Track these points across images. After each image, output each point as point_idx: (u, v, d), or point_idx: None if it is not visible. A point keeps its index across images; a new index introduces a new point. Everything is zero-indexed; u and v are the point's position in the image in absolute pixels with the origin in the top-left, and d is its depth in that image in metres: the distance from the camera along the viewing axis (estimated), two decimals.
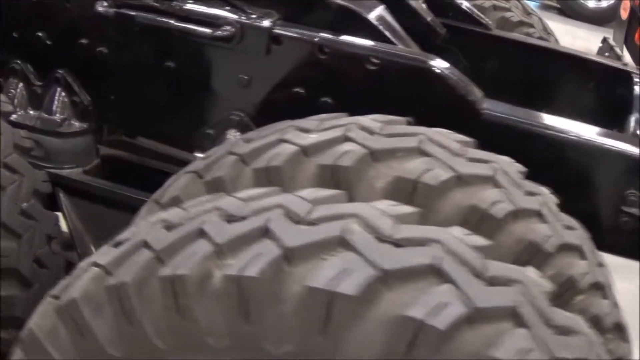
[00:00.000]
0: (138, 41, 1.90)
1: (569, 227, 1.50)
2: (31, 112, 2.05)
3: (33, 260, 1.79)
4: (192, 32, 1.79)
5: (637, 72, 2.46)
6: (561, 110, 2.23)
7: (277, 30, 1.78)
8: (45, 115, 2.03)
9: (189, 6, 1.82)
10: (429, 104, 1.74)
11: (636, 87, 2.34)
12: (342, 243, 1.00)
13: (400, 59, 1.74)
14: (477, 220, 1.29)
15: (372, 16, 1.88)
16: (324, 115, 1.53)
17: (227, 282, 0.96)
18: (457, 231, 1.16)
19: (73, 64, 2.01)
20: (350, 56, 1.75)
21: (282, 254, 0.97)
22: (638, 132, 2.22)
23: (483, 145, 1.52)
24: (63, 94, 2.03)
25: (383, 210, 1.12)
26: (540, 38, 3.02)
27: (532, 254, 1.35)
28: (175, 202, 1.41)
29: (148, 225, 1.17)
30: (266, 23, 1.79)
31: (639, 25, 6.48)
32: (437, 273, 0.99)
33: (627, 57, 5.14)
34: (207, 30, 1.79)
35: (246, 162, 1.38)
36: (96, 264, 1.09)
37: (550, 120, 1.85)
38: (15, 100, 2.04)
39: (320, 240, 1.00)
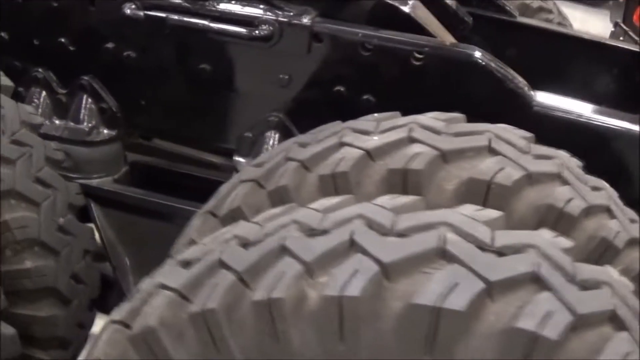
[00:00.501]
0: (170, 43, 1.83)
1: (633, 221, 1.46)
2: (57, 121, 1.98)
3: (70, 276, 1.72)
4: (228, 32, 1.72)
5: None
6: (585, 97, 2.19)
7: (318, 28, 1.72)
8: (73, 125, 1.95)
9: (223, 6, 1.75)
10: (476, 98, 1.69)
11: None
12: (442, 255, 0.95)
13: (445, 53, 1.69)
14: (554, 219, 1.24)
15: (410, 9, 1.82)
16: (378, 115, 1.47)
17: (326, 303, 0.90)
18: (547, 234, 1.12)
19: (99, 69, 1.94)
20: (395, 52, 1.69)
21: (380, 270, 0.92)
22: None
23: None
24: (90, 101, 1.96)
25: (472, 216, 1.07)
26: (559, 24, 2.98)
27: (603, 251, 1.32)
28: (237, 214, 1.35)
29: (219, 242, 1.11)
30: (306, 20, 1.73)
31: (637, 6, 6.46)
32: (536, 281, 0.95)
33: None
34: (244, 30, 1.72)
35: (308, 169, 1.32)
36: (168, 288, 1.03)
37: (597, 110, 1.81)
38: (40, 110, 1.96)
39: (418, 253, 0.94)
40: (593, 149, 1.68)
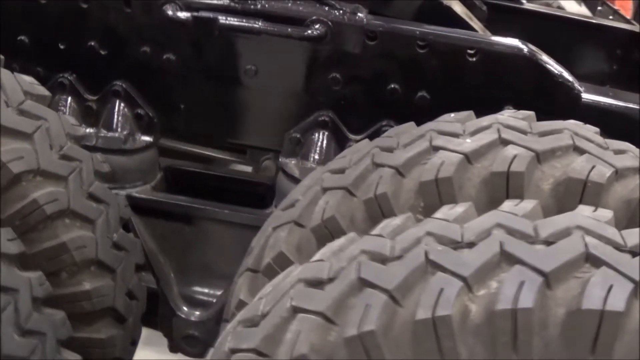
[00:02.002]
0: (214, 45, 1.76)
1: None
2: (88, 130, 1.88)
3: (126, 293, 1.66)
4: (279, 33, 1.67)
5: None
6: (590, 79, 2.25)
7: (372, 26, 1.69)
8: (107, 133, 1.87)
9: (273, 5, 1.70)
10: (527, 92, 1.71)
11: None
12: (588, 259, 0.97)
13: (499, 48, 1.70)
14: None
15: (453, 4, 1.82)
16: (455, 116, 1.46)
17: (497, 316, 0.90)
18: None
19: (134, 73, 1.85)
20: (450, 48, 1.69)
21: (544, 280, 0.92)
22: None
23: None
24: (124, 107, 1.87)
25: (596, 218, 1.09)
26: (558, 7, 3.04)
27: None
28: (331, 224, 1.32)
29: (345, 259, 1.09)
30: (360, 19, 1.70)
31: None
32: None
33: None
34: (296, 30, 1.67)
35: (403, 174, 1.31)
36: (310, 312, 1.00)
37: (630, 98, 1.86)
38: None
39: (570, 259, 0.96)
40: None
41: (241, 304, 1.47)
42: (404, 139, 1.42)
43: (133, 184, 1.89)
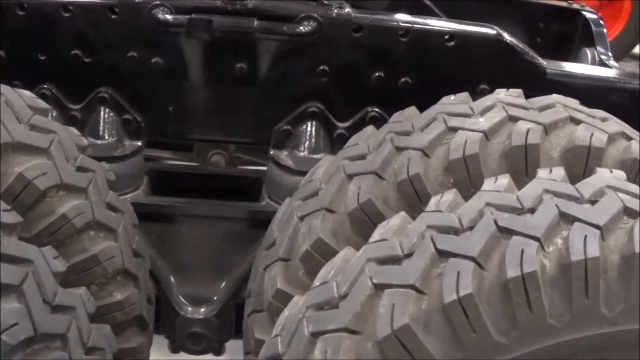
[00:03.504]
0: (204, 45, 1.77)
1: None
2: None
3: (147, 299, 1.66)
4: (274, 31, 1.72)
5: (585, 9, 2.80)
6: None
7: (358, 19, 1.79)
8: (95, 140, 1.83)
9: (263, 3, 1.74)
10: (501, 71, 1.89)
11: (591, 24, 2.68)
12: (627, 212, 1.15)
13: (473, 33, 1.85)
14: (636, 170, 1.48)
15: None
16: (455, 98, 1.60)
17: (570, 268, 1.06)
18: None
19: (120, 79, 1.83)
20: (430, 36, 1.82)
21: (600, 232, 1.09)
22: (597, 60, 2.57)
23: None
24: (110, 113, 1.84)
25: (617, 178, 1.27)
26: None
27: None
28: (368, 207, 1.41)
29: (414, 234, 1.18)
30: (346, 13, 1.78)
31: None
32: None
33: None
34: (288, 27, 1.73)
35: (428, 155, 1.42)
36: (398, 286, 1.10)
37: (595, 70, 2.09)
38: None
39: (615, 213, 1.13)
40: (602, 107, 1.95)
41: (280, 293, 1.54)
42: (417, 122, 1.54)
43: (125, 190, 1.87)
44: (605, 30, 2.65)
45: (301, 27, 1.75)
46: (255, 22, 1.72)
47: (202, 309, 1.97)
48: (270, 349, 1.29)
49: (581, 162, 1.42)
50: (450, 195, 1.28)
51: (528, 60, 1.89)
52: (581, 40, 2.71)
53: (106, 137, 1.85)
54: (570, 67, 1.98)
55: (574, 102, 1.60)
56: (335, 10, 1.78)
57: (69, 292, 1.27)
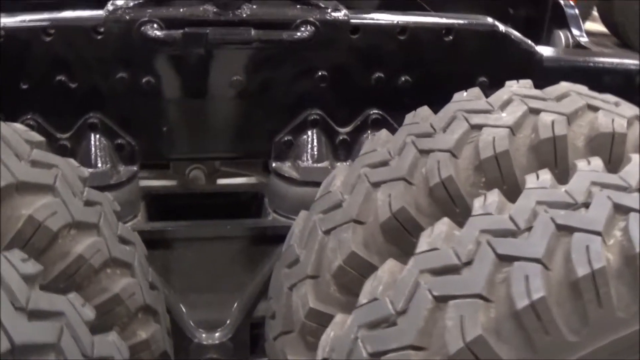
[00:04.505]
0: (198, 59, 1.68)
1: None
2: None
3: (167, 333, 1.57)
4: (272, 39, 1.64)
5: None
6: None
7: (355, 20, 1.73)
8: (89, 170, 1.70)
9: (258, 12, 1.66)
10: (499, 62, 1.87)
11: (563, 6, 2.71)
12: None
13: (470, 26, 1.83)
14: None
15: None
16: (468, 94, 1.56)
17: (635, 258, 1.04)
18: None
19: (110, 103, 1.72)
20: (428, 32, 1.78)
21: None
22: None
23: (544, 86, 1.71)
24: (102, 139, 1.73)
25: None
26: None
27: None
28: (402, 215, 1.37)
29: (469, 241, 1.14)
30: (343, 15, 1.72)
31: None
32: None
33: None
34: (286, 35, 1.66)
35: (456, 156, 1.38)
36: (460, 296, 1.06)
37: (586, 54, 2.10)
38: None
39: None
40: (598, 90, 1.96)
41: (313, 312, 1.47)
42: (436, 123, 1.50)
43: (125, 219, 1.77)
44: (577, 11, 2.69)
45: (299, 33, 1.68)
46: (253, 32, 1.64)
47: (217, 334, 1.89)
48: None
49: (606, 149, 1.41)
50: (495, 196, 1.24)
51: (525, 49, 1.88)
52: (552, 22, 2.74)
53: (99, 165, 1.74)
54: (565, 53, 1.99)
55: (584, 89, 1.59)
56: (332, 13, 1.73)
57: (104, 341, 1.18)
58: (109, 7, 1.62)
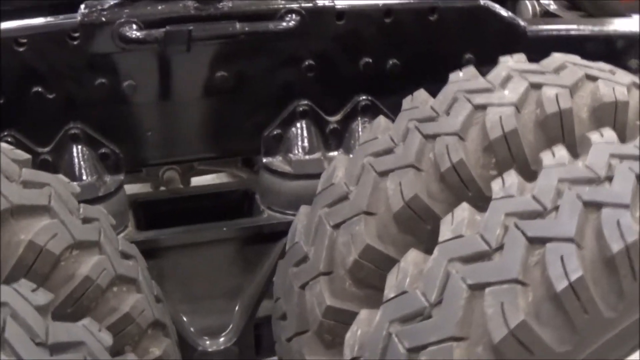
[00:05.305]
0: (181, 58, 1.60)
1: None
2: None
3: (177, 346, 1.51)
4: (258, 31, 1.57)
5: None
6: None
7: (340, 6, 1.68)
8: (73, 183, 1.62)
9: (240, 4, 1.58)
10: (485, 36, 1.85)
11: None
12: None
13: (455, 3, 1.80)
14: None
15: None
16: (464, 74, 1.53)
17: None
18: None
19: (90, 111, 1.63)
20: (413, 13, 1.75)
21: None
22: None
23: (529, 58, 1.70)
24: (85, 150, 1.64)
25: None
26: None
27: None
28: (416, 203, 1.33)
29: (490, 226, 1.12)
30: (328, 1, 1.66)
31: None
32: None
33: None
34: (272, 25, 1.59)
35: (463, 139, 1.36)
36: (499, 282, 1.05)
37: (565, 22, 2.10)
38: None
39: None
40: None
41: (330, 310, 1.43)
42: (438, 106, 1.47)
43: (117, 230, 1.68)
44: None
45: (284, 23, 1.62)
46: (238, 25, 1.57)
47: (221, 339, 1.84)
48: None
49: (610, 118, 1.41)
50: (513, 177, 1.22)
51: (508, 22, 1.86)
52: None
53: (85, 178, 1.65)
54: (545, 23, 1.98)
55: (577, 59, 1.58)
56: (316, 0, 1.67)
57: None
58: (82, 10, 1.52)
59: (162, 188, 2.36)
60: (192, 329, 1.81)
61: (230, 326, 1.85)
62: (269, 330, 1.77)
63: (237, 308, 1.86)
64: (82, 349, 1.03)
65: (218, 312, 1.85)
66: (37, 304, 1.04)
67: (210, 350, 1.82)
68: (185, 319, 1.80)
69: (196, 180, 2.74)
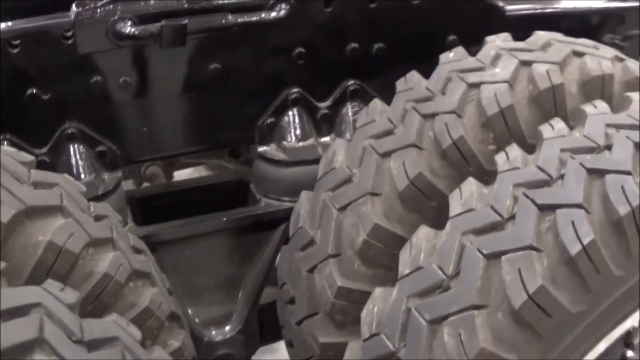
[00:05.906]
0: (174, 53, 1.60)
1: None
2: None
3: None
4: (251, 21, 1.59)
5: None
6: None
7: None
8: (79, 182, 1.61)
9: None
10: (466, 18, 1.90)
11: None
12: None
13: None
14: (637, 88, 1.56)
15: None
16: (453, 55, 1.58)
17: None
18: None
19: (86, 110, 1.62)
20: None
21: None
22: None
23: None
24: (82, 149, 1.63)
25: None
26: None
27: None
28: (420, 181, 1.38)
29: (500, 198, 1.17)
30: None
31: None
32: None
33: None
34: (264, 15, 1.61)
35: (460, 116, 1.40)
36: (517, 249, 1.10)
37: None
38: None
39: None
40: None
41: (342, 291, 1.47)
42: (432, 86, 1.51)
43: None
44: None
45: (274, 13, 1.64)
46: (230, 17, 1.58)
47: (227, 328, 1.87)
48: (375, 349, 1.24)
49: (598, 91, 1.48)
50: (516, 150, 1.28)
51: (488, 2, 1.92)
52: None
53: (83, 177, 1.65)
54: (522, 2, 2.05)
55: (560, 36, 1.65)
56: None
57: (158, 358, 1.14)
58: (75, 8, 1.51)
59: (145, 184, 2.37)
60: (197, 320, 1.83)
61: (234, 315, 1.88)
62: (271, 316, 1.81)
63: (239, 297, 1.89)
64: (117, 344, 1.04)
65: (221, 302, 1.87)
66: (68, 303, 1.05)
67: (216, 340, 1.84)
68: (190, 311, 1.82)
69: (178, 175, 2.75)
